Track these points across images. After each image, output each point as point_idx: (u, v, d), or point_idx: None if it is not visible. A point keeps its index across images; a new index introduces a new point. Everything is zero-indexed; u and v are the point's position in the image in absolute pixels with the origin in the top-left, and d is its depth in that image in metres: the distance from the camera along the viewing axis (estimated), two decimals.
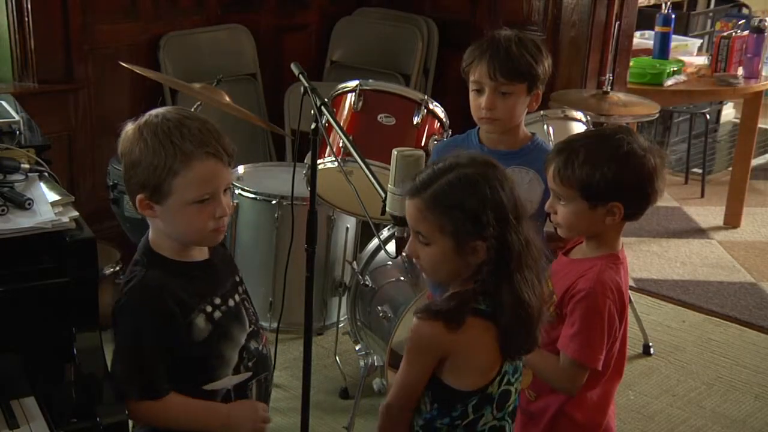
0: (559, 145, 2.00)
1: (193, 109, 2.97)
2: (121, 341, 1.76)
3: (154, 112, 1.74)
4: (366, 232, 3.46)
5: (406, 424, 1.76)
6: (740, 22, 5.27)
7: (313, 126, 2.31)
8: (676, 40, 4.98)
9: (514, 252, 1.63)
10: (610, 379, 2.04)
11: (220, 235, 1.80)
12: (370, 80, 3.03)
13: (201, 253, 1.84)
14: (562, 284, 1.97)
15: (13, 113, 2.37)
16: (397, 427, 1.77)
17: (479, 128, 2.51)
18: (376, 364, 2.97)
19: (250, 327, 1.86)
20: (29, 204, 1.84)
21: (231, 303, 1.84)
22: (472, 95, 2.38)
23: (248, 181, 3.44)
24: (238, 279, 1.91)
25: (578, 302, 1.91)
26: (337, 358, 3.34)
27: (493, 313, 1.65)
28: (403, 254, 1.90)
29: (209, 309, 1.79)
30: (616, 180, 1.88)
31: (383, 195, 2.22)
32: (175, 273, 1.77)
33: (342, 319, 3.44)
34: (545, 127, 3.05)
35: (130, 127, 1.74)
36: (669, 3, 4.85)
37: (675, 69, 4.64)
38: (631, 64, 4.42)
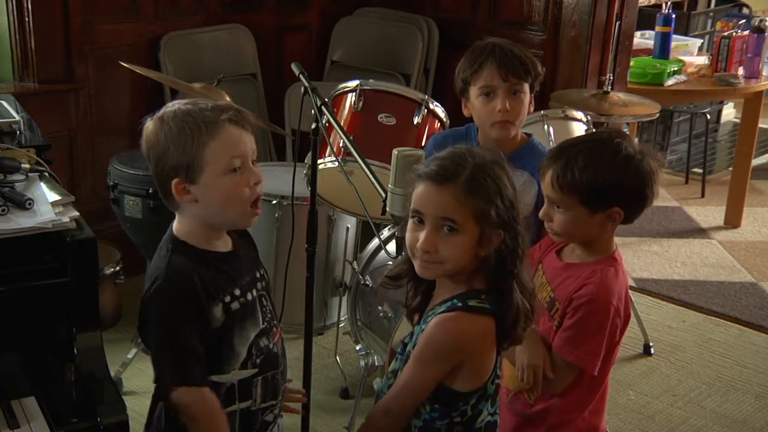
0: (554, 151, 1.95)
1: None
2: (158, 329, 1.72)
3: (168, 104, 1.78)
4: (366, 232, 3.46)
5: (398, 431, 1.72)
6: (741, 22, 5.27)
7: (313, 126, 2.31)
8: (676, 40, 4.98)
9: (522, 245, 1.63)
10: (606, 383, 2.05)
11: (255, 216, 1.79)
12: (371, 80, 3.03)
13: (224, 245, 1.82)
14: (563, 291, 1.95)
15: (14, 113, 2.37)
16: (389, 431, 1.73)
17: (478, 128, 2.50)
18: (376, 364, 2.96)
19: (263, 324, 1.84)
20: (29, 204, 1.84)
21: (249, 297, 1.82)
22: (480, 101, 2.37)
23: None
24: (258, 275, 1.89)
25: (580, 306, 1.90)
26: (337, 358, 3.34)
27: (497, 310, 1.63)
28: (404, 254, 1.89)
29: (228, 299, 1.76)
30: (618, 185, 1.86)
31: (384, 195, 2.22)
32: (198, 260, 1.75)
33: (342, 319, 3.43)
34: (545, 127, 3.05)
35: (149, 122, 1.76)
36: (669, 3, 4.85)
37: (675, 69, 4.64)
38: (631, 63, 4.42)
